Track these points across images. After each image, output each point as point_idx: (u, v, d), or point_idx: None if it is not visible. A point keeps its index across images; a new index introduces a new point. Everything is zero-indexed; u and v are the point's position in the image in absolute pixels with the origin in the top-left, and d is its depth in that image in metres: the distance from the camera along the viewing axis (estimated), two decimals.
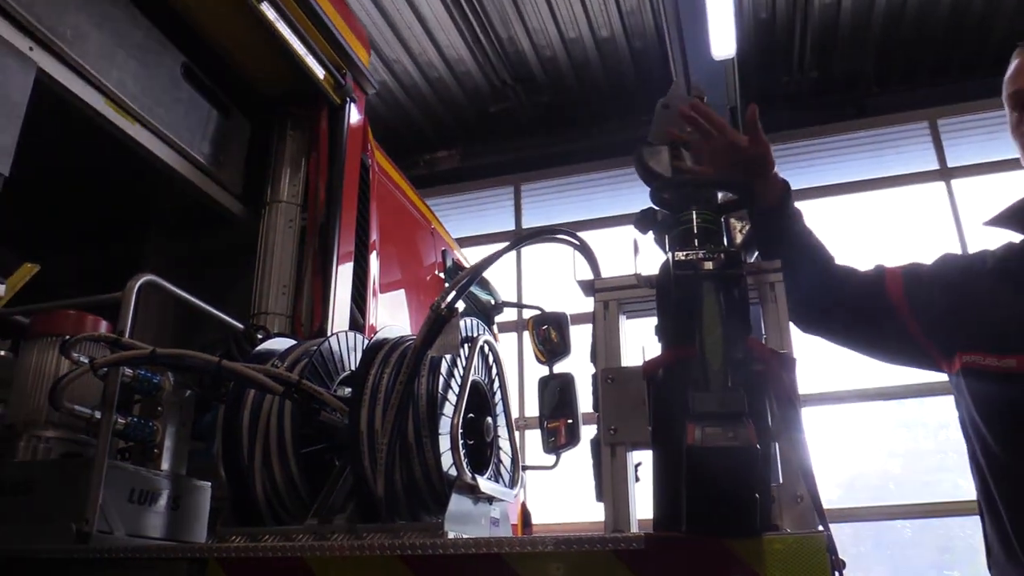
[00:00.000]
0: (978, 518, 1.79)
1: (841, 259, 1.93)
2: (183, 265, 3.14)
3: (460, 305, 1.66)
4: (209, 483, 1.93)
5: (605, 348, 1.56)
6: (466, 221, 9.23)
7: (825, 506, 1.30)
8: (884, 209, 8.25)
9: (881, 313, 1.82)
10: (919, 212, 8.11)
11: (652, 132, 1.73)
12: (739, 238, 1.77)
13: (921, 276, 1.84)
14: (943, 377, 1.83)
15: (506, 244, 1.71)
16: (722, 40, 6.41)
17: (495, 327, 4.26)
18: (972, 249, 1.91)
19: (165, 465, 1.88)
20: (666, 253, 1.50)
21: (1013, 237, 1.82)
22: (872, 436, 8.08)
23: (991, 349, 1.66)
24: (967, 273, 1.83)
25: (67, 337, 1.82)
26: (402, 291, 3.65)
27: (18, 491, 1.75)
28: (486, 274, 4.16)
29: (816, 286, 1.81)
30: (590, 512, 1.50)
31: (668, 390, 1.35)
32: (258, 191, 3.06)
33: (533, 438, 7.46)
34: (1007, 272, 1.76)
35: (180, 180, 2.84)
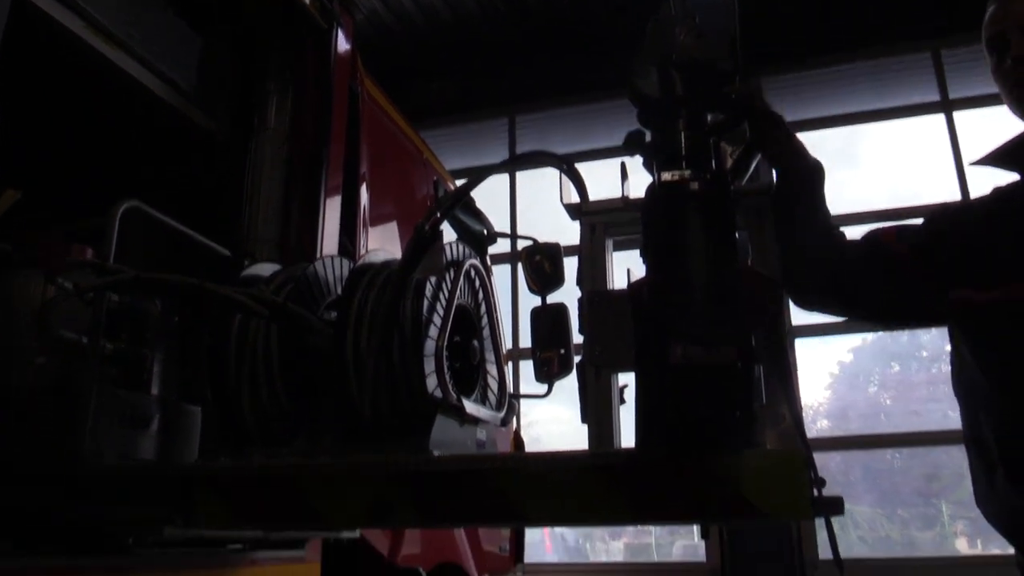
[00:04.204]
0: (964, 450, 1.82)
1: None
2: (169, 194, 3.10)
3: (450, 233, 1.65)
4: (199, 407, 1.94)
5: (591, 270, 1.56)
6: (461, 153, 9.11)
7: (816, 435, 1.31)
8: (884, 141, 8.15)
9: (885, 264, 1.80)
10: (919, 145, 8.01)
11: (641, 53, 1.68)
12: (729, 161, 1.74)
13: (910, 227, 1.86)
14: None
15: (493, 165, 1.69)
16: None
17: (488, 258, 4.24)
18: (970, 181, 1.93)
19: (155, 390, 1.89)
20: (653, 175, 1.48)
21: (1007, 177, 1.81)
22: (864, 368, 8.17)
23: (977, 283, 1.67)
24: (956, 215, 1.88)
25: (52, 264, 1.81)
26: (394, 222, 3.62)
27: (9, 417, 1.77)
28: (480, 205, 4.13)
29: (822, 248, 1.79)
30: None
31: (652, 310, 1.35)
32: (245, 118, 3.00)
33: (527, 369, 7.54)
34: (996, 209, 1.77)
35: (164, 106, 2.78)
